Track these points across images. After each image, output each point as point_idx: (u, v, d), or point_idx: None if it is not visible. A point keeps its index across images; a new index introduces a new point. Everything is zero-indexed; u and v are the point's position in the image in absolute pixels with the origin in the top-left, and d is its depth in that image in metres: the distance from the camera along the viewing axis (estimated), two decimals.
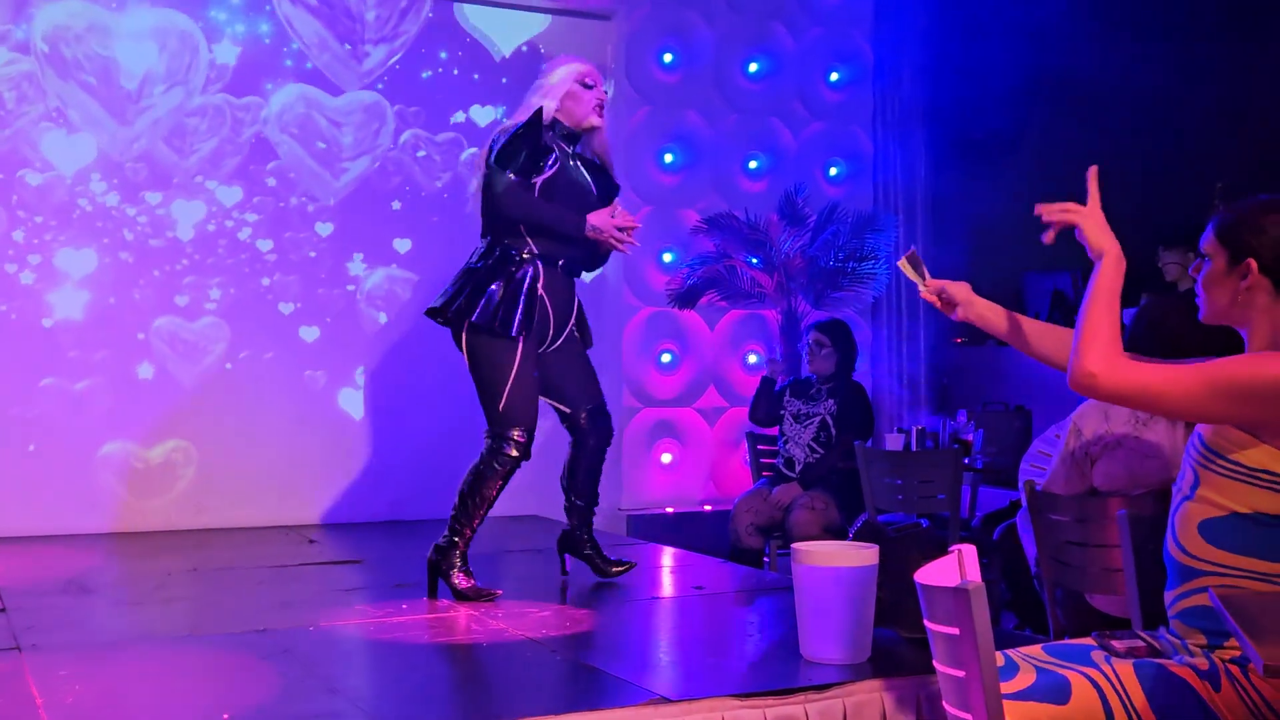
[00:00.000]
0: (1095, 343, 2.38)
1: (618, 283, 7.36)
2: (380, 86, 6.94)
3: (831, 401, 6.12)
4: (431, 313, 4.42)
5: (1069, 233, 2.58)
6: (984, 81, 7.30)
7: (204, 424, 6.55)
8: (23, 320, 6.25)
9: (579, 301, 4.60)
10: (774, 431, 6.36)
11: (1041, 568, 3.47)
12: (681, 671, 3.53)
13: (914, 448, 6.42)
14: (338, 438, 6.78)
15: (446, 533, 4.38)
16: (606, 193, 4.53)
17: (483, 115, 7.12)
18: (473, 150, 6.93)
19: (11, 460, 6.17)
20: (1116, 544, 3.12)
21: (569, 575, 4.73)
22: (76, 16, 6.35)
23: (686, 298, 7.20)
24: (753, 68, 7.83)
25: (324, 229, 6.82)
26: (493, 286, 4.29)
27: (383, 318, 6.89)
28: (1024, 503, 3.52)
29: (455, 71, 7.07)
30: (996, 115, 7.28)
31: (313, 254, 6.80)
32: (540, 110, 4.35)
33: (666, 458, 7.55)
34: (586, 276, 4.77)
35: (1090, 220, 2.52)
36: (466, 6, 7.11)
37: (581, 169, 4.50)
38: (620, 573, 4.65)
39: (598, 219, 4.37)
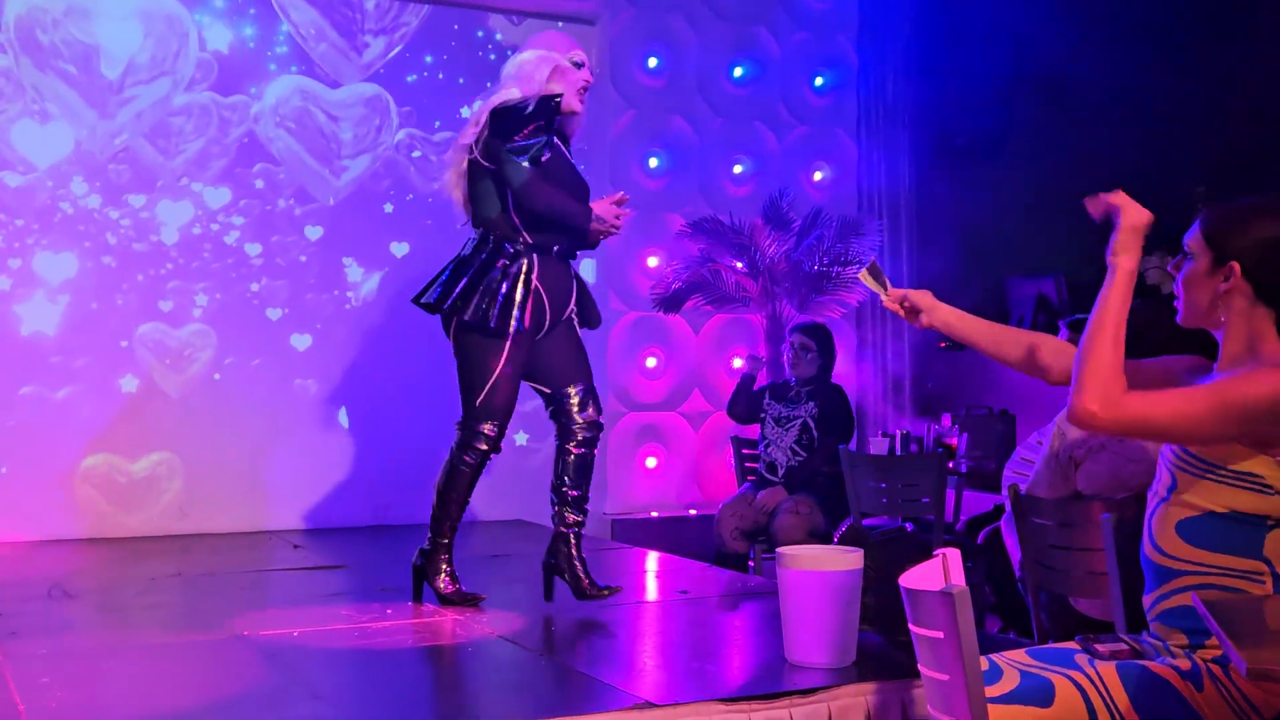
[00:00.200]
0: (1096, 378, 2.32)
1: (603, 287, 7.35)
2: (380, 72, 6.79)
3: (812, 404, 6.12)
4: (425, 306, 4.32)
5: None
6: (967, 86, 7.33)
7: (190, 436, 6.42)
8: (0, 327, 6.13)
9: (580, 282, 4.46)
10: (758, 434, 6.36)
11: (1025, 571, 3.48)
12: (666, 676, 3.53)
13: (898, 452, 6.43)
14: (323, 443, 6.72)
15: (430, 535, 4.36)
16: (584, 185, 4.40)
17: None
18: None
19: None
20: (1100, 547, 3.13)
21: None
22: None
23: (671, 302, 7.20)
24: (737, 72, 7.84)
25: (314, 232, 6.73)
26: (485, 284, 4.17)
27: (372, 323, 6.82)
28: (1008, 507, 3.53)
29: (440, 75, 7.05)
30: (980, 119, 7.30)
31: (303, 258, 6.70)
32: (559, 98, 4.20)
33: (651, 462, 7.55)
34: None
35: (1131, 213, 2.45)
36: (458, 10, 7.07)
37: (567, 153, 4.38)
38: (604, 597, 4.31)
39: (600, 208, 4.28)
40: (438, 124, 7.01)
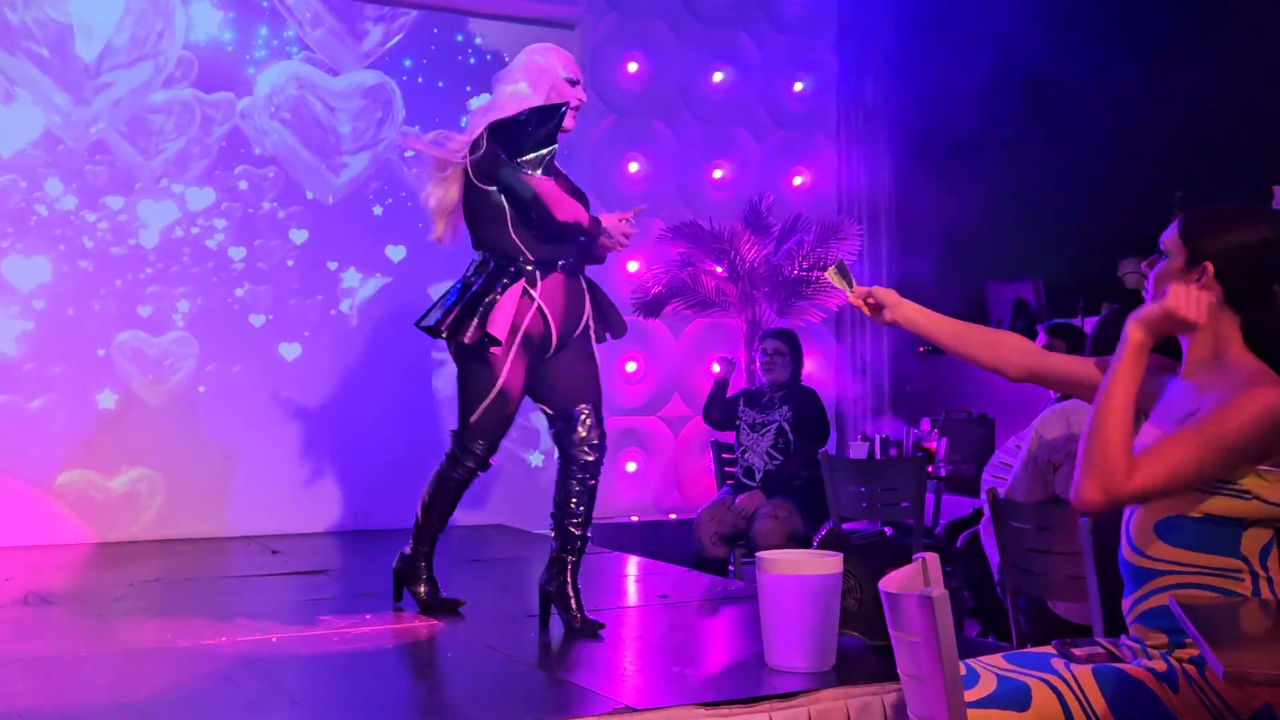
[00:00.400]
0: (1097, 467, 2.30)
1: None
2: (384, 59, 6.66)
3: (786, 408, 6.14)
4: (426, 330, 4.20)
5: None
6: (947, 91, 7.35)
7: (171, 449, 6.27)
8: None
9: (596, 293, 4.32)
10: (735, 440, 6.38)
11: (1004, 575, 3.49)
12: (646, 680, 3.53)
13: (878, 456, 6.45)
14: (304, 447, 6.65)
15: (411, 541, 4.34)
16: (581, 198, 4.28)
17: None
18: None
19: None
20: (1078, 551, 3.14)
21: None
22: None
23: (651, 306, 7.21)
24: (717, 77, 7.86)
25: (298, 235, 6.59)
26: (484, 307, 4.04)
27: (355, 329, 6.74)
28: (986, 511, 3.54)
29: (420, 79, 7.03)
30: (959, 125, 7.33)
31: (290, 262, 6.59)
32: (566, 106, 4.11)
33: (631, 466, 7.55)
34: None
35: (1182, 304, 2.35)
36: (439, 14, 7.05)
37: (558, 169, 4.28)
38: (594, 635, 4.02)
39: (608, 221, 4.18)
40: (417, 128, 6.97)
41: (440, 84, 7.03)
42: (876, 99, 8.10)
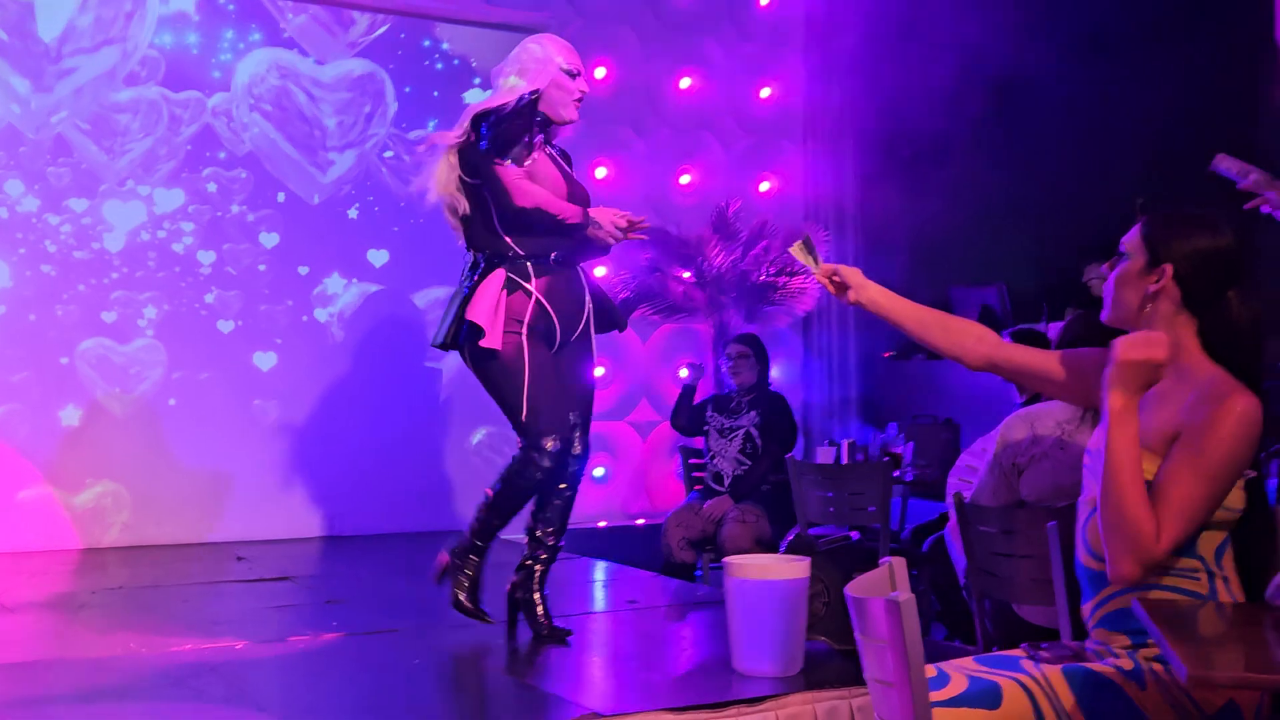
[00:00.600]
0: (1125, 544, 2.29)
1: None
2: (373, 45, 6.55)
3: (754, 413, 6.15)
4: (441, 347, 4.06)
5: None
6: (913, 97, 7.39)
7: (138, 463, 6.11)
8: None
9: (595, 290, 4.21)
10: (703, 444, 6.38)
11: (970, 579, 3.51)
12: (614, 686, 3.53)
13: (845, 460, 6.46)
14: (273, 454, 6.51)
15: (468, 538, 4.07)
16: (582, 193, 4.18)
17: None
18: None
19: None
20: (1043, 554, 3.16)
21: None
22: None
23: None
24: (684, 82, 7.87)
25: (269, 239, 6.47)
26: (478, 305, 3.92)
27: (330, 336, 6.64)
28: (952, 514, 3.55)
29: (388, 83, 7.02)
30: (925, 131, 7.37)
31: (262, 267, 6.47)
32: (536, 98, 3.99)
33: (599, 471, 7.54)
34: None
35: (1134, 349, 2.32)
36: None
37: (561, 162, 4.23)
38: (560, 640, 4.00)
39: (599, 213, 4.06)
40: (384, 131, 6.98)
41: (407, 89, 6.99)
42: (843, 105, 8.13)
